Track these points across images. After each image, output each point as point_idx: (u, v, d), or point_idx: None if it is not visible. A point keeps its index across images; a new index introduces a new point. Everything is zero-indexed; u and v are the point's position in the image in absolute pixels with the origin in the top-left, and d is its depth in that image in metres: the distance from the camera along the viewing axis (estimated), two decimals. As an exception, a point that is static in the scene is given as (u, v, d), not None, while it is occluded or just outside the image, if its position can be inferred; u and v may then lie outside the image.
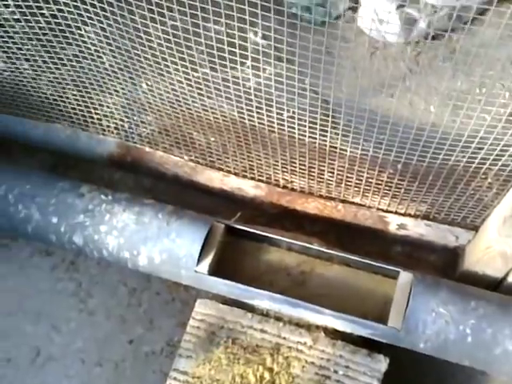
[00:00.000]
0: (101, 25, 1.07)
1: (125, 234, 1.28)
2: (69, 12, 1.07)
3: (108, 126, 1.39)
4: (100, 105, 1.33)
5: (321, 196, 1.38)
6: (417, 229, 1.40)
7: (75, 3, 1.04)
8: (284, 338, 1.27)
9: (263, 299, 1.24)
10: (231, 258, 1.31)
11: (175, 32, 1.01)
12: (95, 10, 1.03)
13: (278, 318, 1.29)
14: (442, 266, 1.44)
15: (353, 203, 1.38)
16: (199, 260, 1.24)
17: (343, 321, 1.20)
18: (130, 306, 1.45)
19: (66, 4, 1.05)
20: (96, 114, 1.36)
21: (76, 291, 1.46)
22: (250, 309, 1.30)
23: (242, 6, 0.90)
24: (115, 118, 1.36)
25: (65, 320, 1.43)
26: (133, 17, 1.01)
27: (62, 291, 1.46)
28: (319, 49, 0.89)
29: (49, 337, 1.41)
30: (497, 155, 1.06)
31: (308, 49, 0.91)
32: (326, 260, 1.32)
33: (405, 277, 1.21)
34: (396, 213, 1.37)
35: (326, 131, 1.12)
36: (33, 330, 1.42)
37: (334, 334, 1.26)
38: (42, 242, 1.39)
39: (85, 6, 1.04)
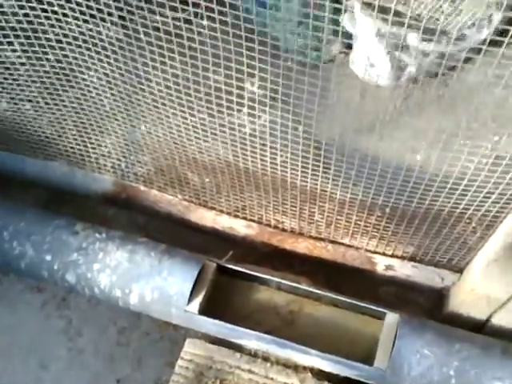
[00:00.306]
0: (104, 70, 1.11)
1: (117, 272, 1.30)
2: (73, 57, 1.12)
3: (105, 165, 1.43)
4: (98, 144, 1.37)
5: (311, 236, 1.42)
6: (404, 270, 1.43)
7: (80, 49, 1.09)
8: (271, 379, 1.28)
9: (251, 339, 1.25)
10: (222, 296, 1.33)
11: (175, 79, 1.06)
12: (99, 56, 1.08)
13: (266, 359, 1.30)
14: (429, 307, 1.47)
15: (342, 244, 1.42)
16: (190, 299, 1.26)
17: (330, 362, 1.21)
18: (119, 345, 1.45)
19: (71, 50, 1.10)
20: (94, 153, 1.40)
21: (66, 329, 1.46)
22: (239, 348, 1.31)
23: (240, 59, 0.96)
24: (112, 158, 1.40)
25: (54, 358, 1.43)
26: (135, 64, 1.06)
27: (52, 328, 1.46)
28: (313, 92, 0.94)
29: (37, 375, 1.40)
30: (480, 201, 1.11)
31: (302, 97, 0.97)
32: (314, 300, 1.35)
33: (391, 318, 1.24)
34: (384, 254, 1.41)
35: (317, 176, 1.17)
36: (22, 367, 1.41)
37: (321, 375, 1.27)
38: (34, 278, 1.40)
39: (89, 53, 1.09)
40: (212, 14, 0.89)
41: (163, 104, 1.13)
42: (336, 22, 1.72)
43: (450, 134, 0.99)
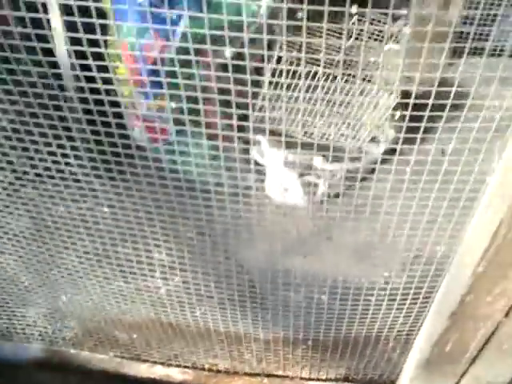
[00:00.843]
0: (18, 254, 1.16)
1: None
2: (-13, 245, 1.16)
3: (32, 334, 1.43)
4: (22, 316, 1.38)
5: (245, 373, 1.44)
6: (340, 390, 1.46)
7: (-7, 237, 1.14)
8: None
9: None
10: None
11: (87, 256, 1.11)
12: (12, 242, 1.13)
13: None
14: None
15: (276, 376, 1.44)
16: None
17: None
18: None
19: (-16, 239, 1.14)
20: (19, 324, 1.40)
21: None
22: None
23: (145, 234, 1.03)
24: (38, 326, 1.40)
25: None
26: (47, 246, 1.12)
27: None
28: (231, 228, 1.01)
29: None
30: (390, 324, 1.19)
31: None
32: None
33: None
34: (318, 379, 1.44)
35: (237, 321, 1.22)
36: None
37: None
38: None
39: (2, 240, 1.13)
40: (112, 203, 0.97)
41: (79, 277, 1.17)
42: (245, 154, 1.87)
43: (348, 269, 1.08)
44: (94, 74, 0.74)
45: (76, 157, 0.88)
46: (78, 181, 0.94)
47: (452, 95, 0.74)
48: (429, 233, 0.98)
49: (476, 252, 0.88)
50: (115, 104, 0.87)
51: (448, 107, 0.75)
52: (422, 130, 0.80)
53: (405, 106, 0.80)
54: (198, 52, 0.73)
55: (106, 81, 0.77)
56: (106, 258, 1.10)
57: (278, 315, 1.18)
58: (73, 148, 0.86)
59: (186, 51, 0.76)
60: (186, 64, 0.76)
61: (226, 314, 1.20)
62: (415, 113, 0.78)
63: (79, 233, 1.06)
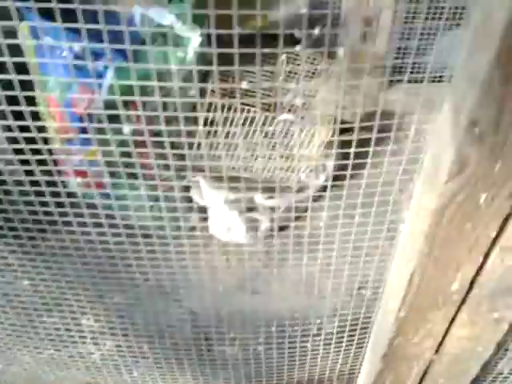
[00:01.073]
0: None
1: None
2: None
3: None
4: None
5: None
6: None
7: None
8: None
9: None
10: None
11: (14, 327, 1.08)
12: None
13: None
14: None
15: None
16: None
17: None
18: None
19: None
20: (-48, 398, 1.34)
21: None
22: None
23: (70, 302, 1.01)
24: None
25: None
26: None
27: None
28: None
29: None
30: (331, 367, 1.20)
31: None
32: None
33: None
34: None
35: (177, 378, 1.20)
36: None
37: None
38: None
39: None
40: (31, 275, 0.95)
41: (9, 348, 1.13)
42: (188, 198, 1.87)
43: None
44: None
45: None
46: (-9, 257, 0.91)
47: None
48: (354, 278, 0.99)
49: (396, 298, 0.90)
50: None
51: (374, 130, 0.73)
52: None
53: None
54: (125, 104, 0.70)
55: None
56: (33, 328, 1.07)
57: (216, 369, 1.17)
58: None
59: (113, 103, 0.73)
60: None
61: (164, 373, 1.18)
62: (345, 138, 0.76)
63: (2, 306, 1.03)
